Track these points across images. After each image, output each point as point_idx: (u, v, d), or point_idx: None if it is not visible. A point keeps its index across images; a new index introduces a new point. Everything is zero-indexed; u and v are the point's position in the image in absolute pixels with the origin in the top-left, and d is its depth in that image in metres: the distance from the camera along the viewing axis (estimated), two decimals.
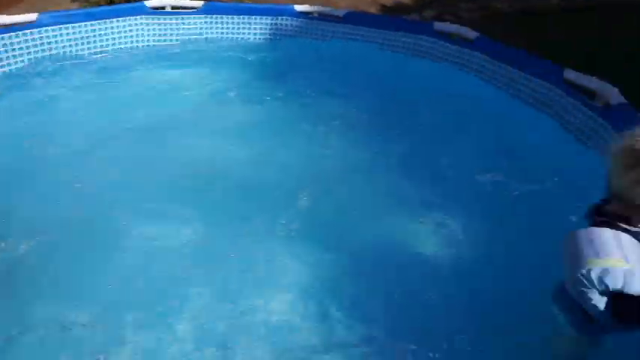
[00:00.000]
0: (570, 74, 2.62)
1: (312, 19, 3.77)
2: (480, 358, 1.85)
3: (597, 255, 1.34)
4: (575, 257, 1.38)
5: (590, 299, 1.37)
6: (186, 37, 3.90)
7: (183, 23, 3.83)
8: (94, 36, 3.63)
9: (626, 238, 1.38)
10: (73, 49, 3.62)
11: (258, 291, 2.12)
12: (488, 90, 3.04)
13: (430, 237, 2.33)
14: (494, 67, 2.99)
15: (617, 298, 1.35)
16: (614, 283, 1.31)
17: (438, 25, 3.45)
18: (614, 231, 1.39)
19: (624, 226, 1.43)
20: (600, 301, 1.37)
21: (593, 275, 1.33)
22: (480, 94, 3.06)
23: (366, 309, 2.02)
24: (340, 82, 3.47)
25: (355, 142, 2.93)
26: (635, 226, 1.43)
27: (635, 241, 1.39)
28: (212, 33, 3.93)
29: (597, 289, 1.34)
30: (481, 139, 2.77)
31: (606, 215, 1.47)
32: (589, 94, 2.55)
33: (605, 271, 1.32)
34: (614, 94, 2.34)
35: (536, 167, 2.56)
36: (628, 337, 1.57)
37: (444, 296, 2.05)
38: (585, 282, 1.34)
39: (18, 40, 3.38)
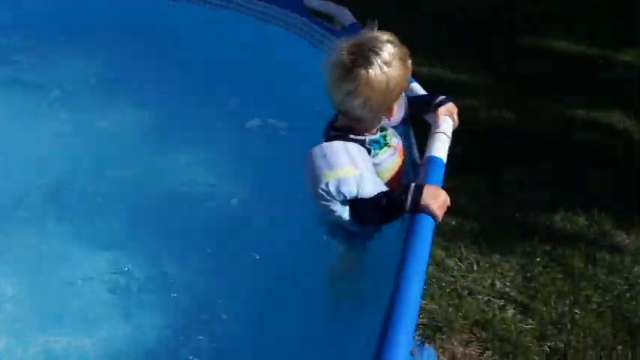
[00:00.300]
0: (310, 2, 2.72)
1: None
2: (262, 287, 1.91)
3: (331, 168, 1.40)
4: (313, 175, 1.43)
5: (335, 211, 1.46)
6: None
7: None
8: None
9: (353, 146, 1.47)
10: None
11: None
12: (241, 25, 2.98)
13: (207, 188, 2.28)
14: (243, 2, 2.94)
15: (356, 204, 1.46)
16: (350, 190, 1.40)
17: None
18: (342, 142, 1.47)
19: (352, 136, 1.52)
20: (344, 211, 1.47)
21: (331, 188, 1.40)
22: (232, 31, 3.00)
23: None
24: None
25: (108, 105, 2.65)
26: (362, 135, 1.54)
27: (363, 149, 1.50)
28: None
29: (337, 200, 1.43)
30: (239, 79, 2.74)
31: (337, 129, 1.55)
32: (329, 18, 2.69)
33: (340, 182, 1.39)
34: (347, 16, 2.51)
35: (297, 98, 2.64)
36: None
37: (230, 237, 2.07)
38: (326, 196, 1.41)
39: None
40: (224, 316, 1.84)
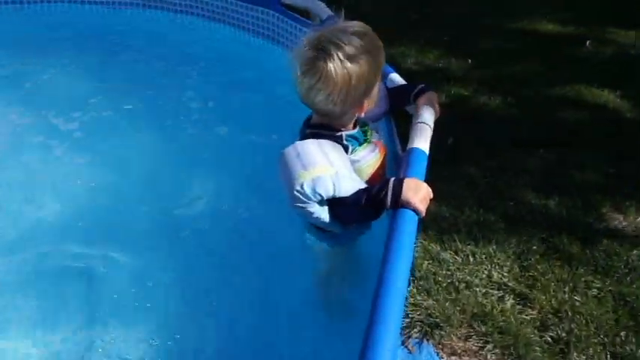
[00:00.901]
0: None
1: None
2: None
3: (305, 167, 1.33)
4: (288, 176, 1.36)
5: (312, 213, 1.38)
6: None
7: None
8: None
9: (327, 144, 1.40)
10: None
11: None
12: (211, 26, 2.92)
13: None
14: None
15: (335, 204, 1.39)
16: (327, 190, 1.33)
17: None
18: (316, 140, 1.40)
19: (327, 133, 1.45)
20: (322, 212, 1.40)
21: (307, 188, 1.32)
22: (201, 32, 2.94)
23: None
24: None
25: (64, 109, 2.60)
26: (338, 131, 1.47)
27: (338, 145, 1.43)
28: None
29: (315, 201, 1.36)
30: (209, 82, 2.69)
31: (312, 127, 1.48)
32: (306, 14, 2.63)
33: (315, 181, 1.32)
34: (323, 9, 2.44)
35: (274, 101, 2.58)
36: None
37: (206, 242, 2.05)
38: (302, 197, 1.34)
39: None
40: (214, 325, 1.80)
